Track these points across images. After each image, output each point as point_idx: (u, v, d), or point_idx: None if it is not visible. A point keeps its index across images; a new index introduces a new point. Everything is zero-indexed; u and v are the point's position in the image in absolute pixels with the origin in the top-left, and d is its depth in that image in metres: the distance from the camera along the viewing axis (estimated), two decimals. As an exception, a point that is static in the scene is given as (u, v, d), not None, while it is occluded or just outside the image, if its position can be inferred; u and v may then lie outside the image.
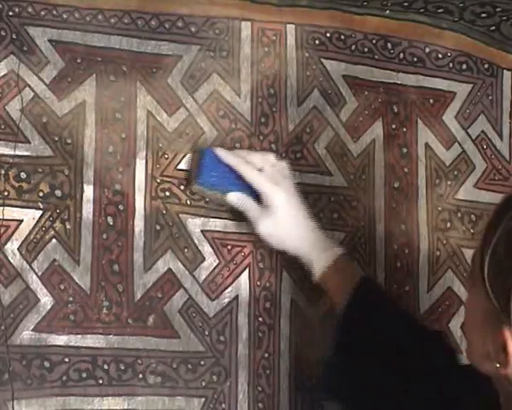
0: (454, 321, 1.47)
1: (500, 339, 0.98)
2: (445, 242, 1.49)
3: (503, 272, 0.97)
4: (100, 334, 1.27)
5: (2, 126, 1.25)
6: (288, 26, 1.42)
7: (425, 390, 1.20)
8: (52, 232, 1.26)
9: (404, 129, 1.49)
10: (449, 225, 1.50)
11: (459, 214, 1.51)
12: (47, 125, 1.27)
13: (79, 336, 1.26)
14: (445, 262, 1.49)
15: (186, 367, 1.31)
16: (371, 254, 1.44)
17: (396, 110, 1.48)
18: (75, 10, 1.30)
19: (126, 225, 1.30)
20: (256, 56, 1.40)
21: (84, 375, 1.26)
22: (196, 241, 1.34)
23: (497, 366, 0.99)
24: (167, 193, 1.33)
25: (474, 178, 1.53)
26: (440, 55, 1.52)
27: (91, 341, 1.26)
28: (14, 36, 1.27)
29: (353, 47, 1.46)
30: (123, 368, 1.28)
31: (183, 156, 1.34)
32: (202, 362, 1.32)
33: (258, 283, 1.37)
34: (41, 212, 1.26)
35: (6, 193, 1.24)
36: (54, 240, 1.26)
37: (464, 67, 1.54)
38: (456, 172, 1.51)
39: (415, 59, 1.50)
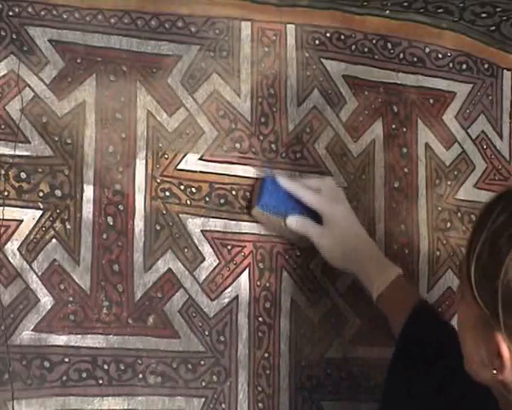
0: (454, 321, 1.47)
1: (493, 344, 0.98)
2: (445, 242, 1.49)
3: (489, 276, 0.97)
4: (100, 334, 1.27)
5: (2, 126, 1.25)
6: (288, 26, 1.42)
7: None
8: (52, 232, 1.26)
9: (404, 129, 1.49)
10: (449, 225, 1.50)
11: (459, 214, 1.51)
12: (47, 125, 1.27)
13: (79, 336, 1.26)
14: (445, 262, 1.49)
15: (186, 367, 1.31)
16: (371, 254, 1.44)
17: (396, 110, 1.48)
18: (75, 10, 1.30)
19: (126, 225, 1.30)
20: (256, 56, 1.40)
21: (84, 375, 1.26)
22: (196, 241, 1.34)
23: (494, 372, 0.99)
24: (167, 193, 1.33)
25: (474, 178, 1.53)
26: (440, 55, 1.52)
27: (91, 341, 1.26)
28: (14, 36, 1.26)
29: (353, 47, 1.46)
30: (123, 368, 1.28)
31: (183, 156, 1.34)
32: (202, 362, 1.32)
33: (258, 283, 1.36)
34: (41, 212, 1.25)
35: (6, 193, 1.24)
36: (54, 240, 1.26)
37: (464, 67, 1.54)
38: (456, 172, 1.51)
39: (415, 59, 1.50)
